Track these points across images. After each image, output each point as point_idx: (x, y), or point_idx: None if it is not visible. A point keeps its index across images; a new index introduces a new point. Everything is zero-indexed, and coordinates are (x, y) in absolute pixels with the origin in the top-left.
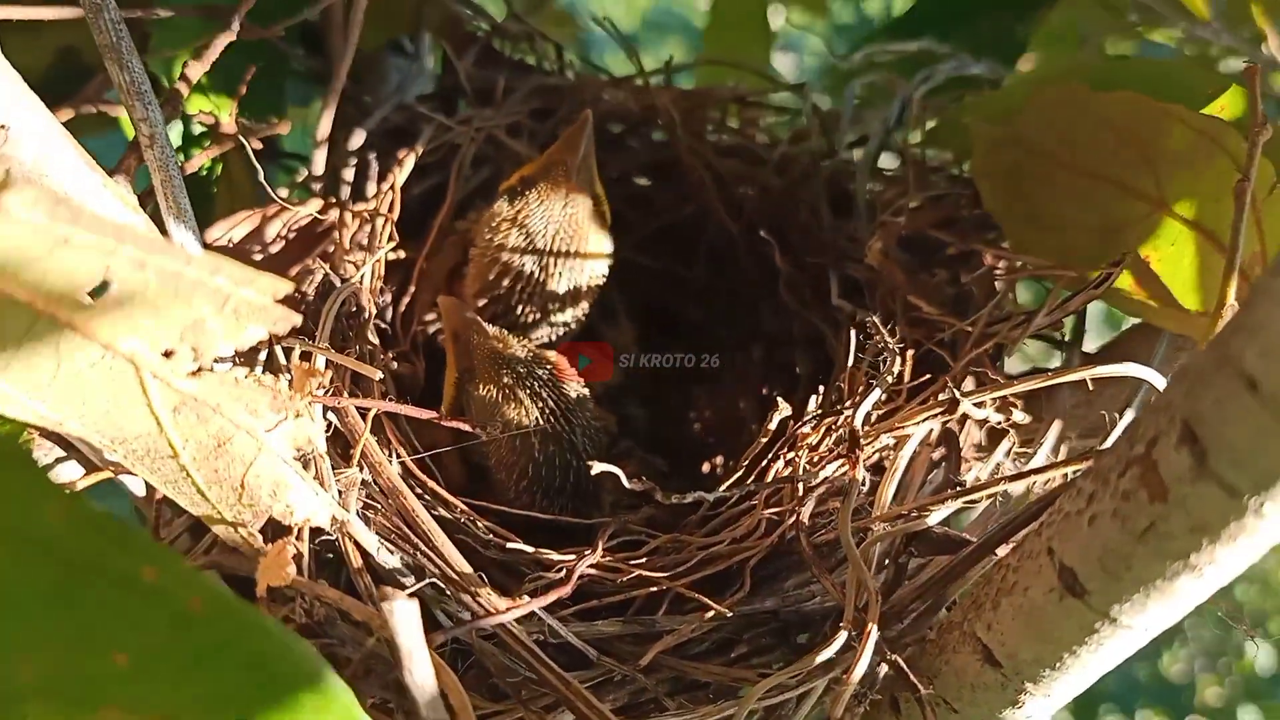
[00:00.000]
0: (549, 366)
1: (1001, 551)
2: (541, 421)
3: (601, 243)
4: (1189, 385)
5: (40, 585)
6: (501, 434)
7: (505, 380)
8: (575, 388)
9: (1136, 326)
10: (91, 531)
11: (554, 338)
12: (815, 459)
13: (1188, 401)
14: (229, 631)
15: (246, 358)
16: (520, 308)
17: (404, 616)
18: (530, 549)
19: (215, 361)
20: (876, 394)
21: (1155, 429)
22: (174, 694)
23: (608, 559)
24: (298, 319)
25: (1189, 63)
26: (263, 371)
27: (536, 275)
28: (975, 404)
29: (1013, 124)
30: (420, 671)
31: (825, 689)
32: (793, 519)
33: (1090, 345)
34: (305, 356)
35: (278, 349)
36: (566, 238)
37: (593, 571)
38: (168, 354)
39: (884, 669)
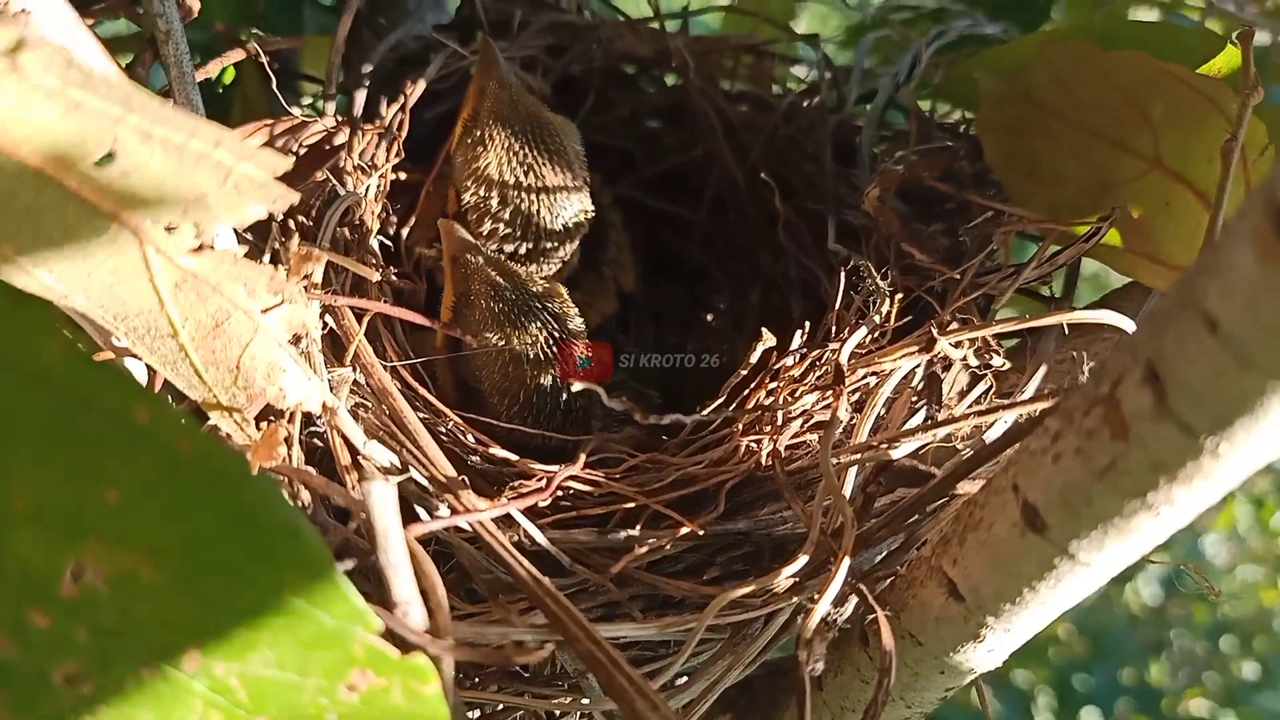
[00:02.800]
0: (545, 288)
1: (966, 487)
2: (538, 345)
3: (566, 122)
4: (1154, 325)
5: (37, 416)
6: (495, 349)
7: (501, 305)
8: (572, 315)
9: (1127, 285)
10: (88, 369)
11: (566, 255)
12: (796, 390)
13: (1151, 341)
14: (214, 476)
15: (251, 254)
16: (526, 227)
17: (381, 497)
18: (514, 457)
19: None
20: (862, 332)
21: (1120, 369)
22: (158, 532)
23: (587, 473)
24: (295, 197)
25: (1197, 27)
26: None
27: (529, 179)
28: (953, 344)
29: (1019, 79)
30: (394, 551)
31: (795, 612)
32: (770, 446)
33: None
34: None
35: (280, 248)
36: (535, 129)
37: (573, 485)
38: (170, 229)
39: (854, 600)
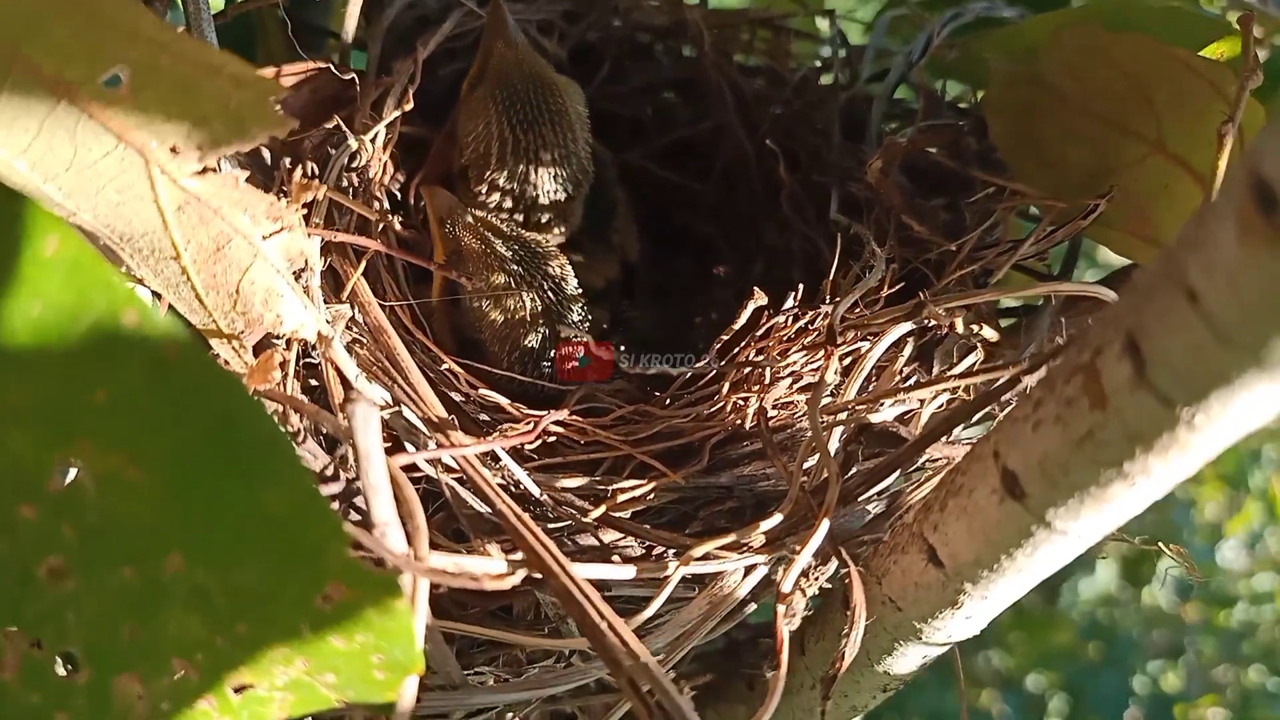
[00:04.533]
0: (533, 244)
1: (941, 450)
2: (531, 297)
3: (570, 83)
4: (1135, 297)
5: (31, 314)
6: (488, 291)
7: (493, 260)
8: (561, 264)
9: (1125, 268)
10: (81, 268)
11: (578, 194)
12: (786, 350)
13: (1132, 313)
14: (199, 383)
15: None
16: (526, 186)
17: (364, 419)
18: (504, 400)
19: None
20: (856, 296)
21: (1101, 339)
22: (144, 437)
23: (574, 420)
24: (295, 123)
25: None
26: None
27: (530, 138)
28: (942, 311)
29: (1029, 61)
30: (375, 473)
31: (774, 567)
32: (757, 404)
33: None
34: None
35: (283, 184)
36: (537, 88)
37: (560, 430)
38: (175, 151)
39: (836, 564)
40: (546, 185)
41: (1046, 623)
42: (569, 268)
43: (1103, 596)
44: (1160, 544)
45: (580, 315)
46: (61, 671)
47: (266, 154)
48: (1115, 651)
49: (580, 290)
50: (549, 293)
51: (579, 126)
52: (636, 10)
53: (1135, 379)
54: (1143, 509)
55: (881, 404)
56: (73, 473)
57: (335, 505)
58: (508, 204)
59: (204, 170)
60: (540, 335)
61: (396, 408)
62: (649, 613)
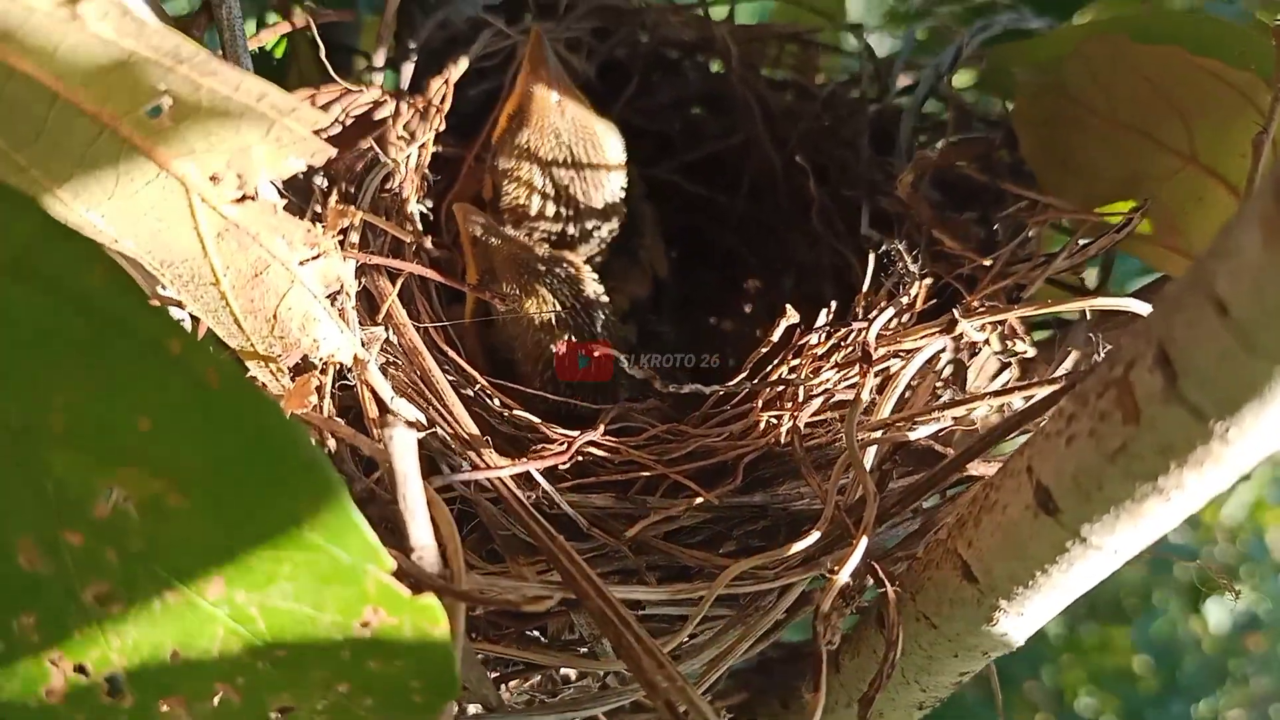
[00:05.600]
0: (567, 265)
1: (979, 468)
2: (563, 313)
3: (610, 128)
4: (1166, 308)
5: (78, 339)
6: (524, 315)
7: (526, 277)
8: (593, 285)
9: (1159, 279)
10: (127, 295)
11: (601, 244)
12: (819, 368)
13: (1163, 324)
14: (240, 408)
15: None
16: (565, 226)
17: (402, 443)
18: (536, 419)
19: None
20: (889, 313)
21: (1134, 351)
22: (186, 460)
23: (608, 440)
24: (333, 151)
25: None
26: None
27: (570, 188)
28: (976, 327)
29: (1055, 72)
30: (412, 496)
31: (810, 586)
32: (790, 422)
33: None
34: (342, 209)
35: (320, 208)
36: (581, 139)
37: (593, 450)
38: (215, 179)
39: (872, 582)
40: (582, 237)
41: (1102, 644)
42: (599, 285)
43: (1164, 621)
44: (1200, 563)
45: (606, 318)
46: (106, 696)
47: (301, 175)
48: (1172, 677)
49: (610, 305)
50: (581, 312)
51: (617, 174)
52: (664, 26)
53: (1167, 391)
54: (1178, 522)
55: (917, 423)
56: (117, 498)
57: (372, 528)
58: (546, 236)
59: (243, 198)
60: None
61: (432, 429)
62: (684, 634)
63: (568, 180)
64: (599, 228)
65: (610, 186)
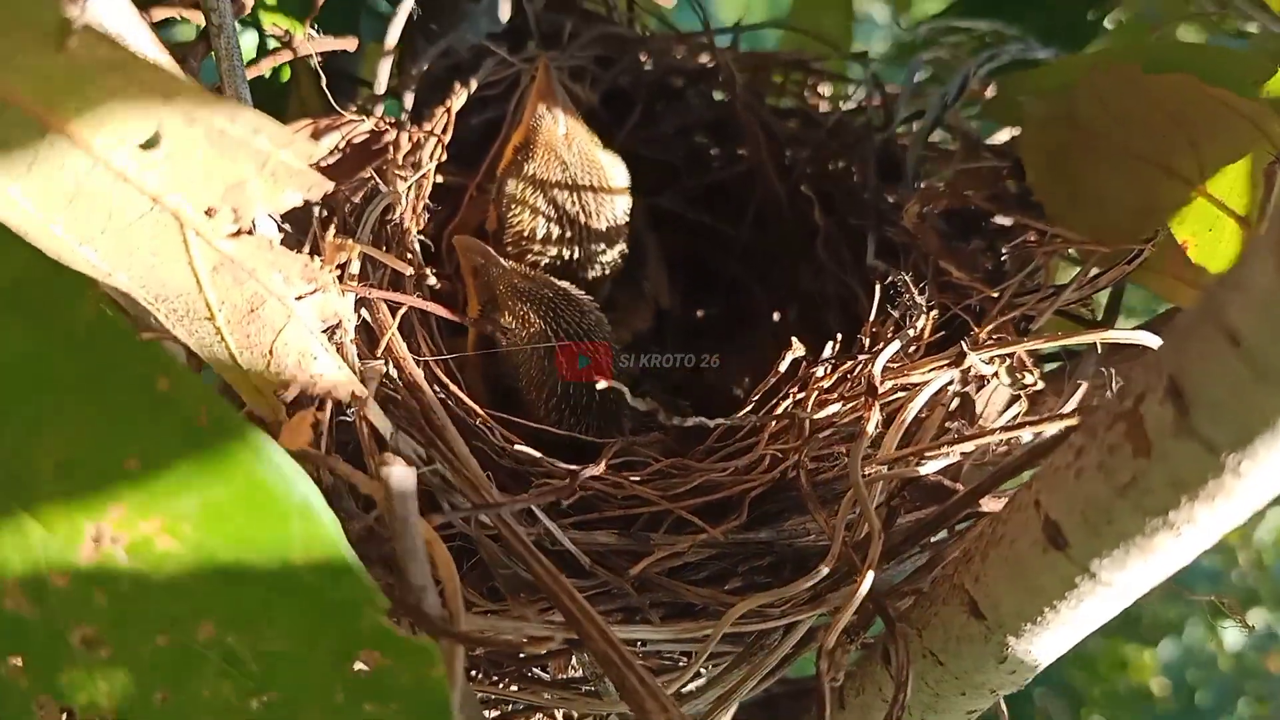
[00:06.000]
0: (570, 295)
1: (989, 504)
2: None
3: (615, 160)
4: (1177, 340)
5: (66, 379)
6: (526, 345)
7: (527, 307)
8: (596, 314)
9: (1169, 310)
10: (116, 332)
11: (605, 273)
12: (825, 401)
13: (1174, 356)
14: (232, 446)
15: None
16: (569, 258)
17: (400, 483)
18: (537, 454)
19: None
20: (896, 345)
21: (1144, 383)
22: (176, 501)
23: (611, 475)
24: (331, 185)
25: (1246, 51)
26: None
27: (577, 218)
28: (985, 360)
29: (1064, 102)
30: (411, 538)
31: (815, 626)
32: (796, 456)
33: None
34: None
35: (320, 241)
36: (587, 173)
37: (596, 485)
38: (209, 213)
39: (877, 617)
40: (586, 271)
41: (1122, 662)
42: (601, 314)
43: (1185, 642)
44: (1215, 598)
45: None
46: None
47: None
48: (1191, 698)
49: (614, 335)
50: (576, 325)
51: (622, 208)
52: (668, 54)
53: (1178, 424)
54: (1191, 559)
55: (926, 458)
56: (105, 539)
57: (370, 567)
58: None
59: (239, 232)
60: (577, 383)
61: (432, 464)
62: (689, 676)
63: (573, 213)
64: (603, 259)
65: (615, 220)
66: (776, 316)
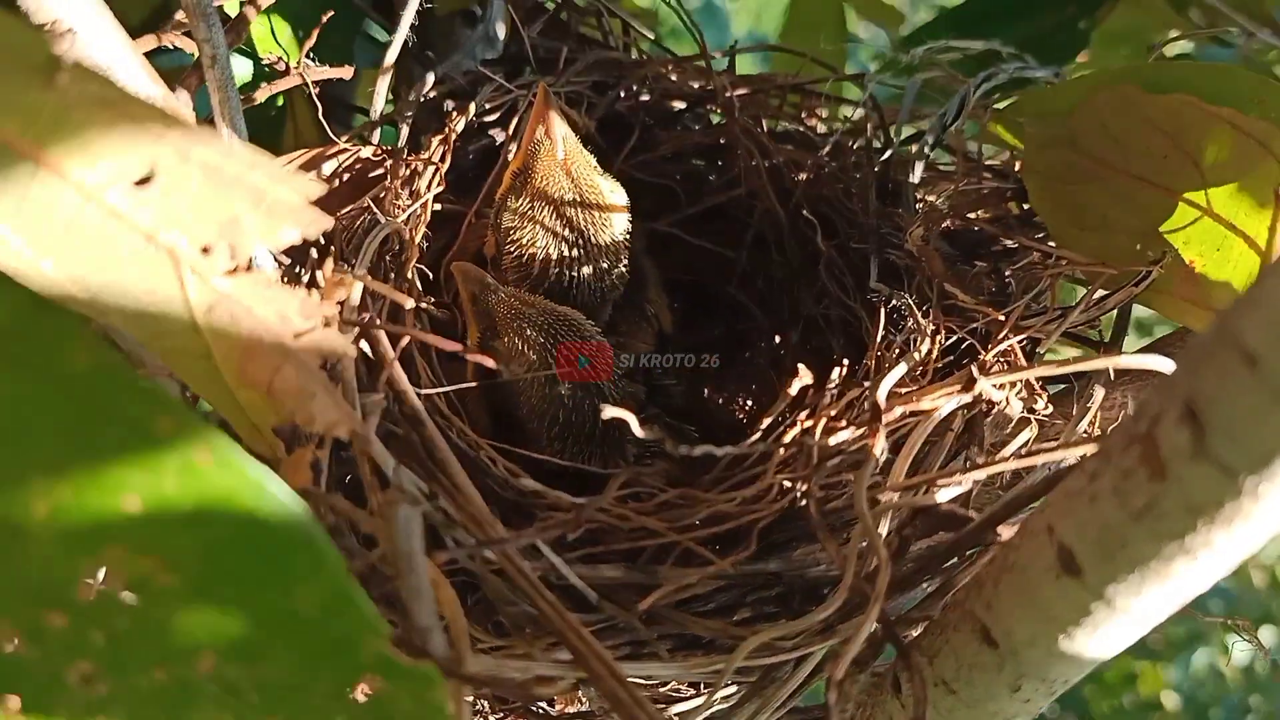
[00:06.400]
0: (571, 321)
1: (1004, 532)
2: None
3: (615, 186)
4: (1192, 362)
5: (61, 422)
6: (527, 374)
7: (528, 332)
8: (596, 338)
9: (1176, 331)
10: (114, 376)
11: (606, 297)
12: (833, 428)
13: (1189, 378)
14: (232, 486)
15: (288, 278)
16: (568, 283)
17: (405, 521)
18: (542, 487)
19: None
20: (901, 369)
21: (1159, 406)
22: (175, 540)
23: (617, 507)
24: (329, 221)
25: (1245, 67)
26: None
27: (577, 242)
28: (995, 385)
29: (1065, 123)
30: (416, 577)
31: (826, 655)
32: (804, 485)
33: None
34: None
35: (318, 274)
36: (586, 195)
37: (602, 518)
38: (205, 250)
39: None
40: (586, 296)
41: (1131, 677)
42: (602, 338)
43: (1199, 664)
44: (1230, 621)
45: (618, 388)
46: None
47: None
48: (1201, 713)
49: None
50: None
51: (621, 233)
52: (664, 78)
53: (1194, 447)
54: (1210, 584)
55: (937, 486)
56: (103, 578)
57: (373, 605)
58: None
59: (235, 269)
60: (580, 410)
61: (434, 499)
62: (701, 715)
63: (572, 237)
64: (603, 283)
65: (615, 244)
66: (778, 341)
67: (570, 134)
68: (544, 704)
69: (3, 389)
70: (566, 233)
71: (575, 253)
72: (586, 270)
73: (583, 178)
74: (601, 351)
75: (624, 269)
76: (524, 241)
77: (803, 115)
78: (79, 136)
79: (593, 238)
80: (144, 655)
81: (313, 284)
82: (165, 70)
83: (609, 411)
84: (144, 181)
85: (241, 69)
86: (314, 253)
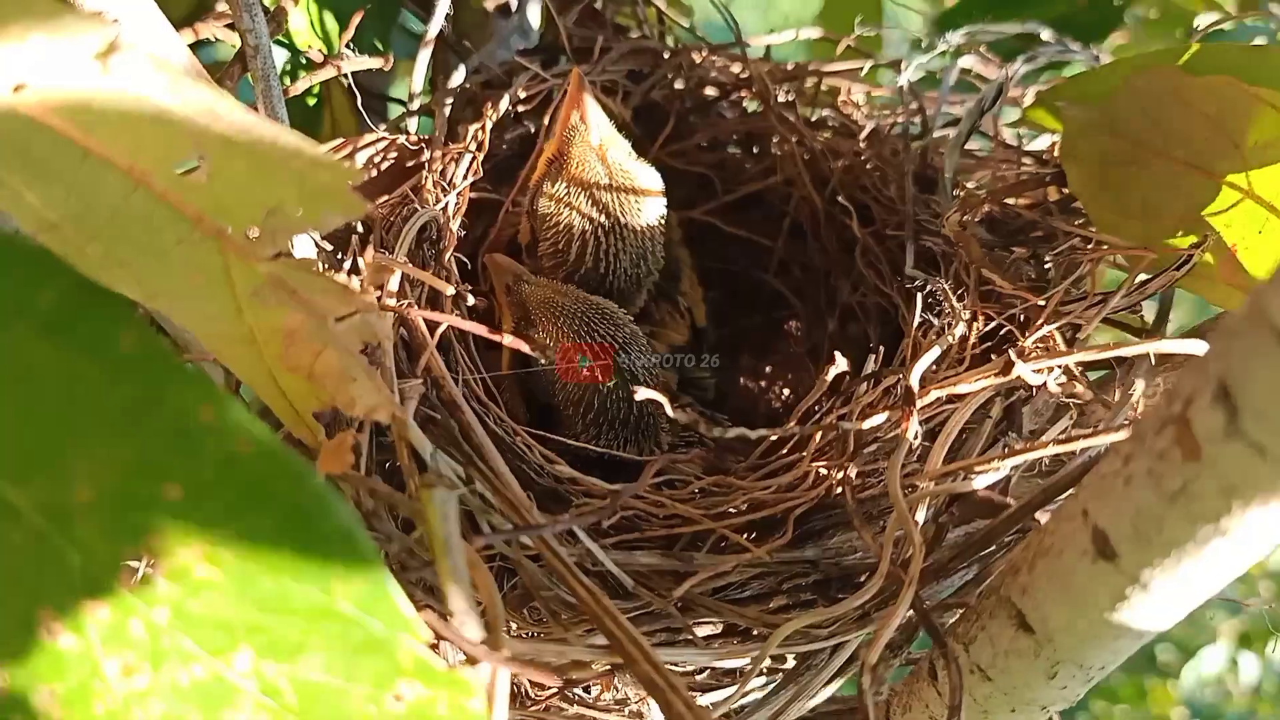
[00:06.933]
0: (604, 310)
1: (1041, 517)
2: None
3: (650, 172)
4: (1226, 341)
5: (106, 406)
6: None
7: (562, 322)
8: (630, 328)
9: (1219, 315)
10: (158, 359)
11: (641, 286)
12: (869, 414)
13: (1222, 358)
14: (272, 476)
15: (329, 265)
16: (604, 272)
17: (442, 504)
18: (578, 474)
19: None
20: (935, 353)
21: (1193, 387)
22: (215, 530)
23: (652, 494)
24: (370, 206)
25: None
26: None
27: (612, 229)
28: (1033, 370)
29: (1104, 108)
30: (454, 561)
31: (861, 643)
32: (840, 473)
33: None
34: (380, 264)
35: (359, 260)
36: (621, 181)
37: (637, 505)
38: (250, 235)
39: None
40: (622, 283)
41: (1143, 694)
42: (635, 327)
43: (1208, 675)
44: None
45: (646, 359)
46: None
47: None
48: None
49: (649, 349)
50: (619, 354)
51: (657, 220)
52: (700, 66)
53: (1228, 428)
54: (1244, 569)
55: (975, 473)
56: (144, 568)
57: (410, 590)
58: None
59: (279, 254)
60: (614, 396)
61: (471, 484)
62: (736, 698)
63: (608, 224)
64: (639, 269)
65: (650, 231)
66: (815, 329)
67: (604, 119)
68: (582, 690)
69: (49, 370)
70: (602, 218)
71: (611, 238)
72: (622, 255)
73: (617, 163)
74: (635, 340)
75: (660, 255)
76: (560, 227)
77: (839, 102)
78: (128, 123)
79: (628, 222)
80: (182, 649)
81: (354, 270)
82: (204, 65)
83: (642, 393)
84: (191, 168)
85: (279, 60)
86: (355, 240)
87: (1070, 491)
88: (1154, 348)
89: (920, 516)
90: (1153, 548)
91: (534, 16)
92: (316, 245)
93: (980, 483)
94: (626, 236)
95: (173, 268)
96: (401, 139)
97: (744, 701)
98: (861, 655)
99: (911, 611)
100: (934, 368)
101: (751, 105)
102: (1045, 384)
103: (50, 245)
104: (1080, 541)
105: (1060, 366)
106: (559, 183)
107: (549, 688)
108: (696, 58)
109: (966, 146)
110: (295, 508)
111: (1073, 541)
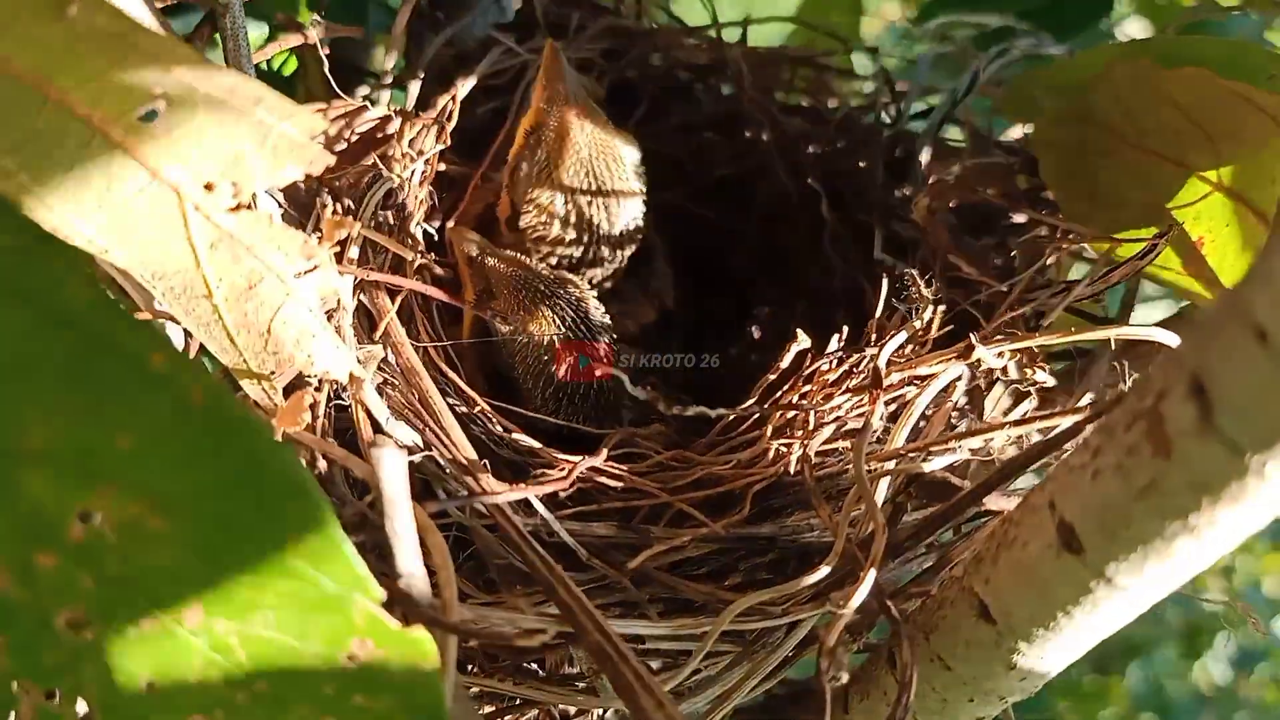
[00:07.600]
0: (570, 287)
1: (996, 502)
2: (563, 329)
3: (629, 142)
4: (1201, 336)
5: (57, 356)
6: (524, 332)
7: (525, 296)
8: (594, 304)
9: (1184, 309)
10: (110, 313)
11: (614, 269)
12: (830, 394)
13: (1197, 353)
14: (225, 428)
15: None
16: (583, 250)
17: (391, 465)
18: (536, 444)
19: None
20: (902, 337)
21: (1165, 382)
22: (167, 482)
23: (611, 467)
24: (331, 159)
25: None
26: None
27: (590, 211)
28: (994, 355)
29: (1079, 98)
30: (401, 520)
31: (818, 622)
32: (800, 450)
33: None
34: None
35: (320, 219)
36: (602, 155)
37: (596, 477)
38: (209, 187)
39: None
40: (604, 254)
41: (1098, 693)
42: (602, 308)
43: (1158, 669)
44: (1229, 601)
45: (608, 335)
46: None
47: (302, 189)
48: None
49: (609, 320)
50: (584, 334)
51: (637, 183)
52: (676, 48)
53: (1201, 424)
54: (1210, 563)
55: (931, 453)
56: (93, 520)
57: (364, 554)
58: (566, 252)
59: (238, 207)
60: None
61: (428, 451)
62: (686, 672)
63: (587, 202)
64: (615, 252)
65: (629, 209)
66: (784, 312)
67: (581, 89)
68: (534, 664)
69: (3, 318)
70: (582, 195)
71: (590, 217)
72: (601, 234)
73: (596, 134)
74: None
75: (638, 238)
76: (540, 199)
77: (814, 89)
78: (88, 70)
79: (609, 201)
80: (132, 602)
81: (315, 228)
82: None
83: (599, 371)
84: (149, 116)
85: (254, 31)
86: (318, 204)
87: (1026, 475)
88: (1115, 333)
89: (879, 496)
90: (1119, 543)
91: None
92: (277, 201)
93: (938, 464)
94: (607, 214)
95: (130, 219)
96: (372, 109)
97: (698, 679)
98: (820, 637)
99: (870, 594)
100: (900, 351)
101: (727, 89)
102: (1005, 367)
103: (7, 193)
104: (1046, 534)
105: (1021, 351)
106: (538, 155)
107: (501, 661)
108: (673, 40)
109: (939, 135)
110: (249, 462)
111: (1038, 534)
